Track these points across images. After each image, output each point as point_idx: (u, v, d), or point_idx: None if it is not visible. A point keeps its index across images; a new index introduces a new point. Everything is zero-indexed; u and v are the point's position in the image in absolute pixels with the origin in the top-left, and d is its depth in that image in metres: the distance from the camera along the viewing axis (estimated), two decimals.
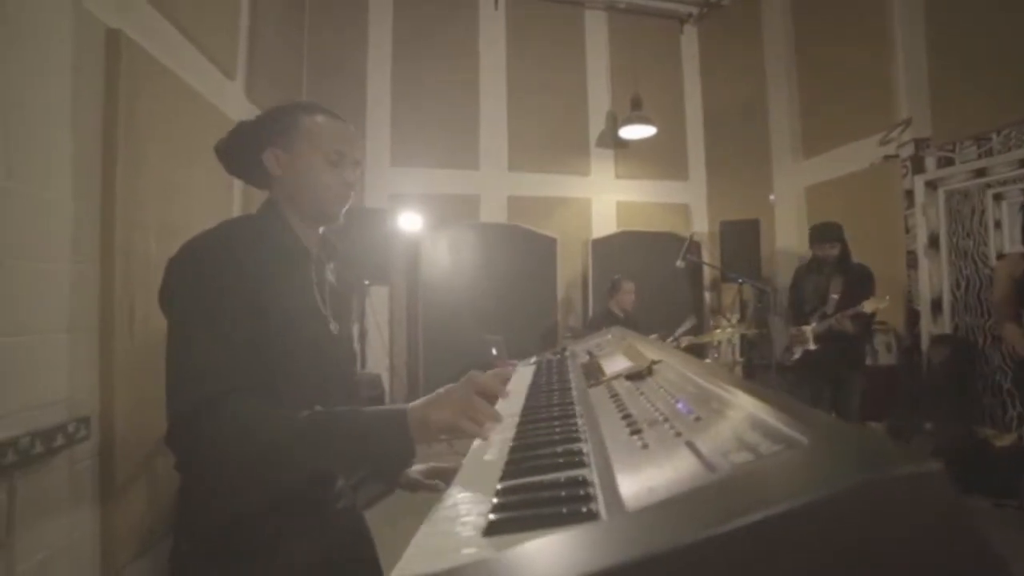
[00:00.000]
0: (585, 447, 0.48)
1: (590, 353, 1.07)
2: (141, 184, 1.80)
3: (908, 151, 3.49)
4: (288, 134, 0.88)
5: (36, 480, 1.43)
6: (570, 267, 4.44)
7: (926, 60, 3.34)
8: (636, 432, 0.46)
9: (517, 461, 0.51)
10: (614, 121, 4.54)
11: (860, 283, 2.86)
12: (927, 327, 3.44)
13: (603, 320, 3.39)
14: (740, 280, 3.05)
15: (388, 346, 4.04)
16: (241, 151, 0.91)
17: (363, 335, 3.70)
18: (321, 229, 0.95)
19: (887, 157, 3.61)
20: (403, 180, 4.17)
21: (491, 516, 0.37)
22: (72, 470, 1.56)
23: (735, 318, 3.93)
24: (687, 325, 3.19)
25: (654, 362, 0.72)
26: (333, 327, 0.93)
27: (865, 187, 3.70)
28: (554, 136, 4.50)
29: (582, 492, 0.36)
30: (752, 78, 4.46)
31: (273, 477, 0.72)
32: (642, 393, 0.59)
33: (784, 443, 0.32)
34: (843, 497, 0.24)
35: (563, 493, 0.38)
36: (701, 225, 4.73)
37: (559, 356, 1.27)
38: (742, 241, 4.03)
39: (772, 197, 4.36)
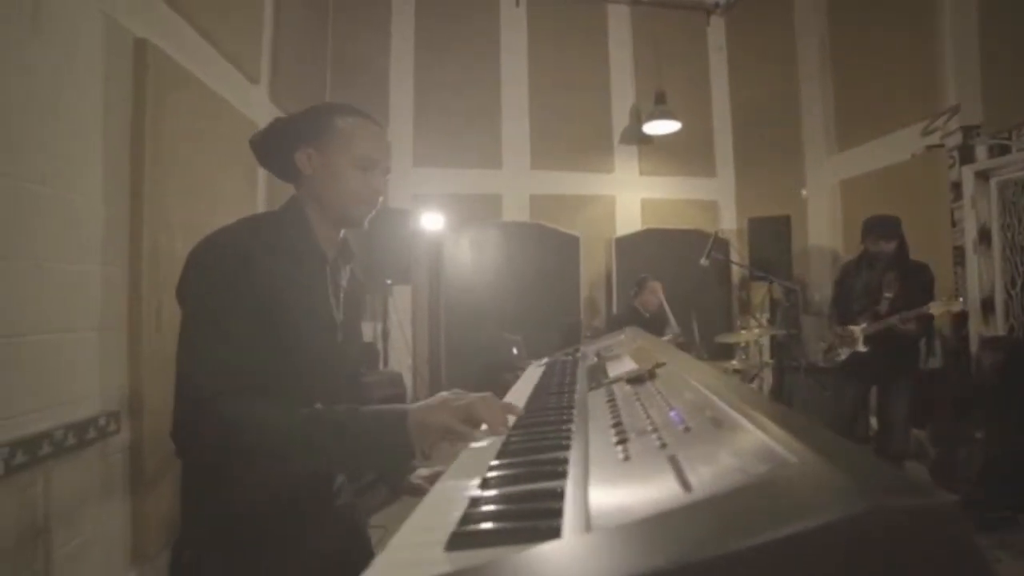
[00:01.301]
0: (570, 455, 0.45)
1: (598, 354, 1.04)
2: (168, 187, 1.86)
3: (955, 140, 3.27)
4: (322, 135, 0.88)
5: (70, 471, 1.50)
6: (594, 266, 4.38)
7: (977, 41, 3.11)
8: (622, 442, 0.43)
9: (499, 467, 0.48)
10: (638, 117, 4.44)
11: (918, 283, 2.66)
12: (976, 328, 3.21)
13: (626, 319, 3.32)
14: (769, 279, 2.92)
15: (411, 345, 4.07)
16: (275, 146, 0.91)
17: (386, 334, 3.75)
18: (343, 232, 0.95)
19: (931, 147, 3.39)
20: (426, 180, 4.20)
21: (455, 529, 0.35)
22: (104, 462, 1.63)
23: (764, 317, 3.78)
24: (667, 336, 3.05)
25: (657, 365, 0.68)
26: (340, 333, 0.93)
27: (906, 180, 3.49)
28: (577, 133, 4.44)
29: (550, 507, 0.34)
30: (783, 67, 4.28)
31: (276, 472, 0.74)
32: (638, 399, 0.56)
33: (771, 463, 0.29)
34: (827, 532, 0.21)
35: (530, 507, 0.36)
36: (729, 222, 4.58)
37: (571, 357, 1.24)
38: (772, 238, 3.87)
39: (804, 192, 4.18)
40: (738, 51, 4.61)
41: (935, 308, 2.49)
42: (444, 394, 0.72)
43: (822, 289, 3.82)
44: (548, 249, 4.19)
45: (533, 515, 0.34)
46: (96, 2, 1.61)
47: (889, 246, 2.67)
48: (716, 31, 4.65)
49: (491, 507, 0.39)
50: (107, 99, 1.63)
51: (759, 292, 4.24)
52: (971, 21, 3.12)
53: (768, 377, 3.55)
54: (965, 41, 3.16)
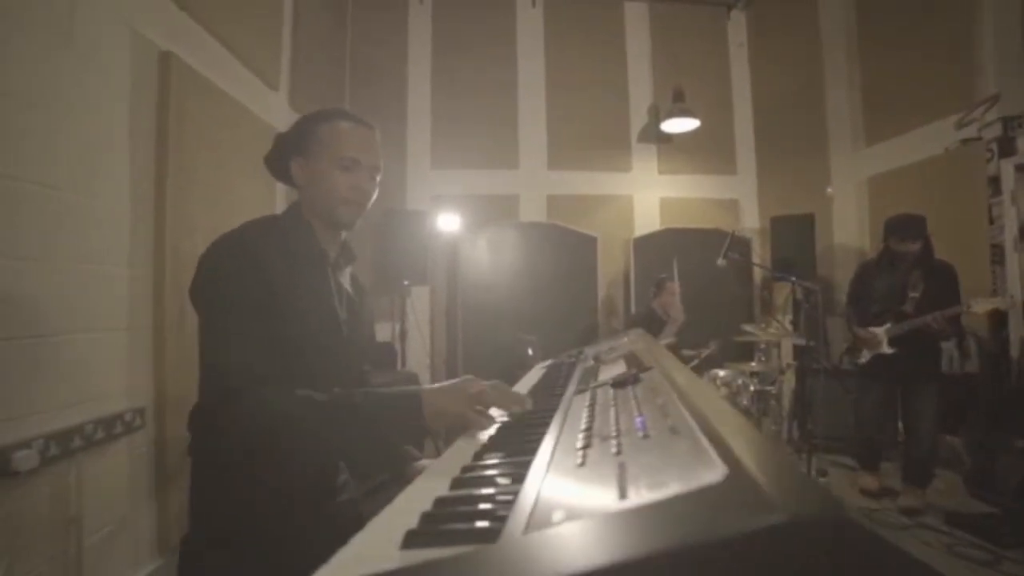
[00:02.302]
0: (535, 459, 0.46)
1: (596, 357, 1.04)
2: (190, 193, 1.94)
3: (994, 132, 3.11)
4: (308, 143, 0.91)
5: (99, 463, 1.58)
6: (611, 266, 4.34)
7: (1020, 25, 2.94)
8: (585, 447, 0.43)
9: (471, 468, 0.50)
10: (656, 115, 4.38)
11: (945, 283, 2.59)
12: (1017, 331, 3.05)
13: (643, 321, 3.29)
14: (790, 279, 2.85)
15: (429, 345, 4.13)
16: (278, 161, 0.95)
17: (404, 334, 3.81)
18: (343, 235, 0.98)
19: (966, 140, 3.24)
20: (444, 182, 4.24)
21: (412, 528, 0.37)
22: (130, 455, 1.72)
23: (787, 319, 3.68)
24: (710, 349, 2.97)
25: (643, 370, 0.68)
26: (345, 331, 0.95)
27: (939, 175, 3.34)
28: (594, 133, 4.41)
29: (498, 511, 0.35)
30: (808, 60, 4.15)
31: (299, 457, 0.77)
32: (615, 404, 0.57)
33: (706, 474, 0.29)
34: (731, 545, 0.21)
35: (482, 509, 0.37)
36: (751, 221, 4.47)
37: (573, 359, 1.25)
38: (795, 237, 3.76)
39: (830, 190, 4.05)
40: (760, 45, 4.49)
41: (979, 306, 2.37)
42: (456, 381, 0.75)
43: (847, 287, 3.69)
44: (565, 249, 4.18)
45: (482, 517, 0.35)
46: (125, 18, 1.70)
47: (915, 246, 2.58)
48: (737, 26, 4.55)
49: (451, 508, 0.40)
50: (133, 109, 1.71)
51: (782, 292, 4.13)
52: (1013, 3, 2.96)
53: (791, 379, 3.46)
54: (1006, 25, 3.00)
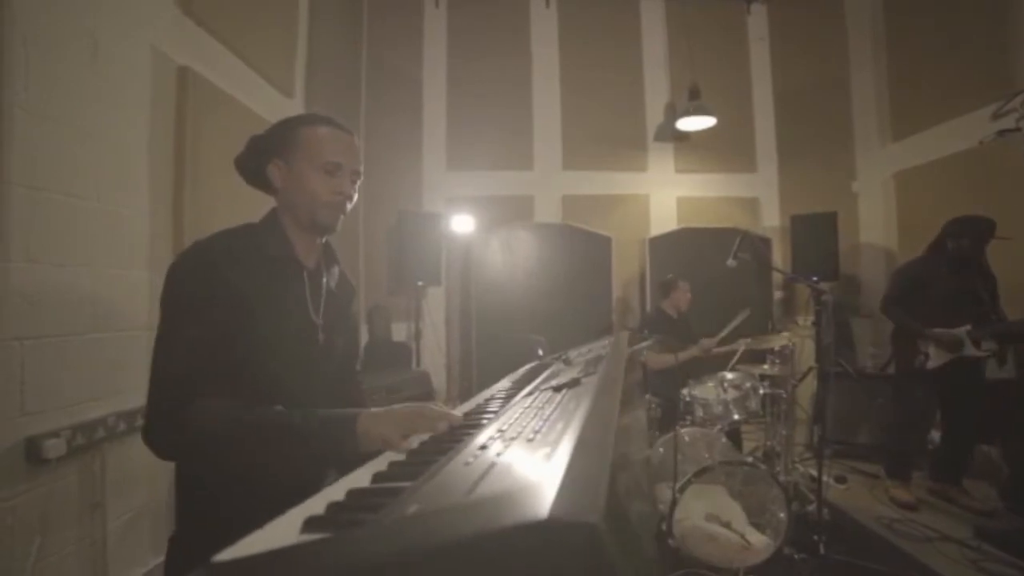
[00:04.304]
0: (444, 457, 0.49)
1: (567, 360, 1.06)
2: (207, 200, 2.06)
3: None
4: (288, 146, 0.91)
5: (121, 453, 1.70)
6: (627, 267, 4.31)
7: None
8: (484, 447, 0.46)
9: (396, 465, 0.53)
10: (673, 113, 4.33)
11: (994, 286, 2.62)
12: None
13: (653, 321, 3.26)
14: (804, 280, 2.77)
15: (444, 345, 4.20)
16: (253, 164, 0.95)
17: (418, 334, 3.89)
18: (324, 238, 0.99)
19: (1003, 132, 3.07)
20: (459, 184, 4.31)
21: (314, 514, 0.41)
22: None
23: (810, 320, 3.57)
24: (739, 319, 2.92)
25: (585, 375, 0.70)
26: (322, 337, 0.95)
27: (972, 169, 3.18)
28: (609, 132, 4.39)
29: (381, 502, 0.38)
30: (831, 53, 4.01)
31: (236, 471, 0.77)
32: (542, 406, 0.59)
33: (536, 478, 0.31)
34: (493, 539, 0.24)
35: (372, 501, 0.40)
36: (771, 219, 4.35)
37: (555, 361, 1.27)
38: (817, 236, 3.64)
39: (855, 186, 3.90)
40: (781, 39, 4.36)
41: None
42: (401, 406, 0.74)
43: (873, 288, 3.55)
44: (579, 250, 4.17)
45: (367, 508, 0.39)
46: (144, 36, 1.81)
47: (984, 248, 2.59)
48: (757, 20, 4.43)
49: (355, 499, 0.44)
50: (153, 123, 1.83)
51: (804, 293, 4.01)
52: None
53: (812, 383, 3.35)
54: None
